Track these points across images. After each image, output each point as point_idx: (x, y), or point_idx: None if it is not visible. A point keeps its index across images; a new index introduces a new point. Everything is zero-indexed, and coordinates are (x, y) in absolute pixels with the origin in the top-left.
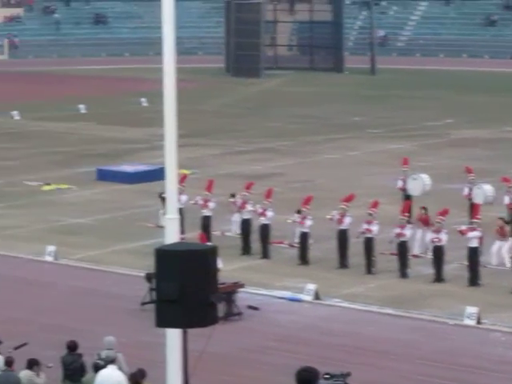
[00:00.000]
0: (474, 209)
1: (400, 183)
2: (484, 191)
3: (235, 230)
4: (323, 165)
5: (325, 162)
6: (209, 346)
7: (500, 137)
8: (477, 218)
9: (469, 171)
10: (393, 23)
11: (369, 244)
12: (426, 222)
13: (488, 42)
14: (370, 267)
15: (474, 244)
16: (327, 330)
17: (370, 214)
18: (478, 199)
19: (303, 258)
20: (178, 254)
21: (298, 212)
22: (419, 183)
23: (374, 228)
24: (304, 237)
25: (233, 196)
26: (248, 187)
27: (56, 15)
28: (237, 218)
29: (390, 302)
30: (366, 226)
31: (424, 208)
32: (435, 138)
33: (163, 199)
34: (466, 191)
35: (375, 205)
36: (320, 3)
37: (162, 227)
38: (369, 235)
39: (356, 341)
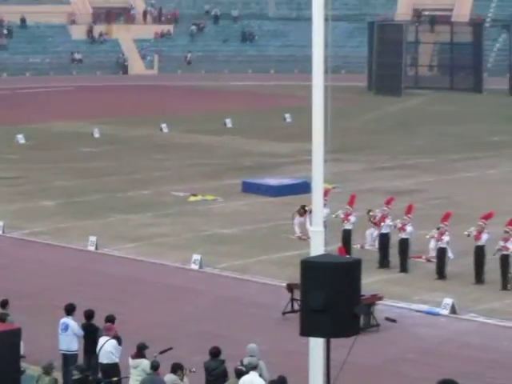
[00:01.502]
0: None
1: None
2: None
3: (369, 242)
4: (463, 182)
5: (465, 180)
6: (349, 356)
7: None
8: None
9: None
10: None
11: (505, 261)
12: None
13: None
14: (505, 283)
15: None
16: (465, 344)
17: (507, 232)
18: None
19: (441, 273)
20: (324, 265)
21: (438, 229)
22: None
23: (511, 246)
24: (441, 252)
25: (369, 212)
26: (388, 202)
27: (193, 27)
28: (372, 232)
29: None
30: (502, 244)
31: None
32: None
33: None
34: None
35: None
36: (460, 25)
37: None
38: (505, 252)
39: (494, 355)
